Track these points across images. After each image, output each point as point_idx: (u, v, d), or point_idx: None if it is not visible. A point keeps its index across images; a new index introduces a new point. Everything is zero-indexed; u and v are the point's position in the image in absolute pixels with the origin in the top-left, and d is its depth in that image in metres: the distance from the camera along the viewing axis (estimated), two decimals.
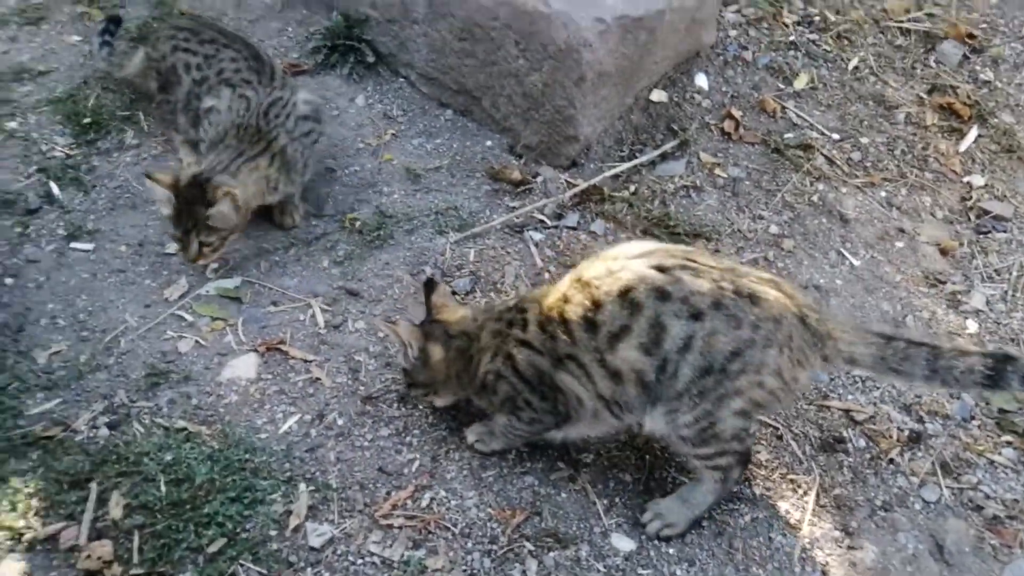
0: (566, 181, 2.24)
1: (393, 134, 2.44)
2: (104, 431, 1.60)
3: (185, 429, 1.60)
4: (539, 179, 2.25)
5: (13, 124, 2.35)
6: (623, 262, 1.39)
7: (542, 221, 2.15)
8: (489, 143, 2.39)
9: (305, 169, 2.09)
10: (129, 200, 2.16)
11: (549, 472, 1.60)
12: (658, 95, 2.40)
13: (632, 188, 2.23)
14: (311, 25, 2.74)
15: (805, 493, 1.66)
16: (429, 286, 1.63)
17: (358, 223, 2.13)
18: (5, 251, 1.98)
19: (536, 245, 2.08)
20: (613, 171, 2.24)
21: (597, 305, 1.38)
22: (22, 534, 1.42)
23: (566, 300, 1.42)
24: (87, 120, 2.35)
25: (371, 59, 2.61)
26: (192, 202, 1.81)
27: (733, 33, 2.60)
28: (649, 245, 1.45)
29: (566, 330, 1.40)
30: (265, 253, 2.04)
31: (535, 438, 1.56)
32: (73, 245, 2.01)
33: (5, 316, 1.82)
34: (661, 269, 1.36)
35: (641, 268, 1.37)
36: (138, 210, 2.12)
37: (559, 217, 2.16)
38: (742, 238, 2.15)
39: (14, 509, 1.45)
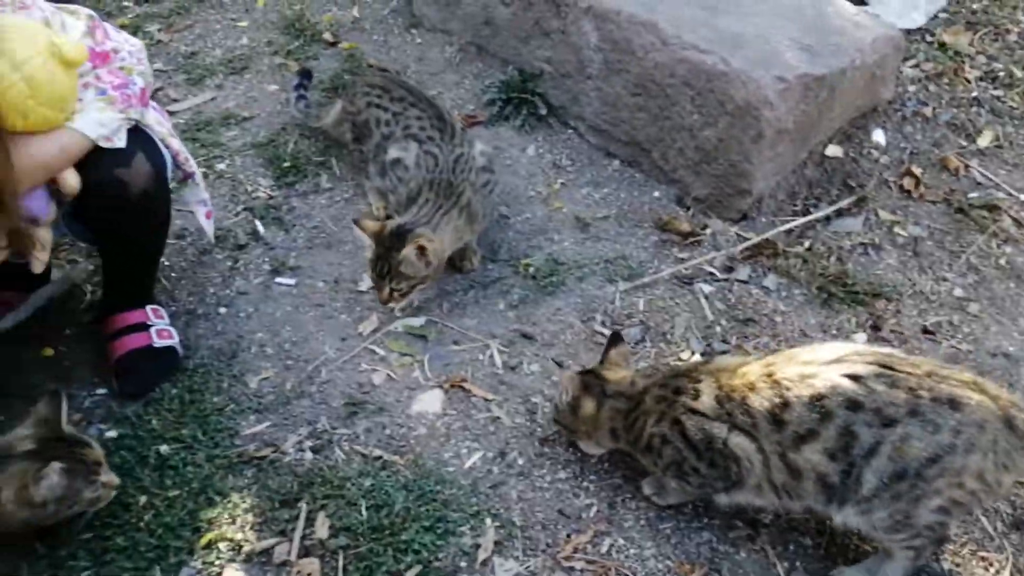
0: (736, 234, 2.26)
1: (562, 183, 2.54)
2: (309, 455, 1.74)
3: (381, 457, 1.73)
4: (708, 231, 2.28)
5: (222, 166, 2.60)
6: (817, 367, 1.40)
7: (712, 274, 2.17)
8: (657, 194, 2.45)
9: (484, 218, 2.21)
10: (325, 240, 2.35)
11: (727, 529, 1.61)
12: (833, 150, 2.38)
13: (806, 244, 2.22)
14: (487, 78, 2.90)
15: (997, 572, 1.59)
16: (614, 340, 1.69)
17: (531, 269, 2.22)
18: (219, 283, 2.20)
19: (706, 298, 2.10)
20: (786, 226, 2.25)
21: (786, 405, 1.39)
22: (241, 546, 1.56)
23: (752, 388, 1.43)
24: (286, 164, 2.58)
25: (543, 111, 2.74)
26: (391, 249, 1.95)
27: (912, 88, 2.56)
28: (844, 348, 1.44)
29: (747, 414, 1.42)
30: (447, 295, 2.17)
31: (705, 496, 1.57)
32: (277, 280, 2.21)
33: (220, 343, 2.02)
34: (855, 378, 1.36)
35: (835, 377, 1.37)
36: (333, 249, 2.30)
37: (729, 270, 2.18)
38: (924, 300, 2.10)
39: (234, 522, 1.60)
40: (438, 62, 3.04)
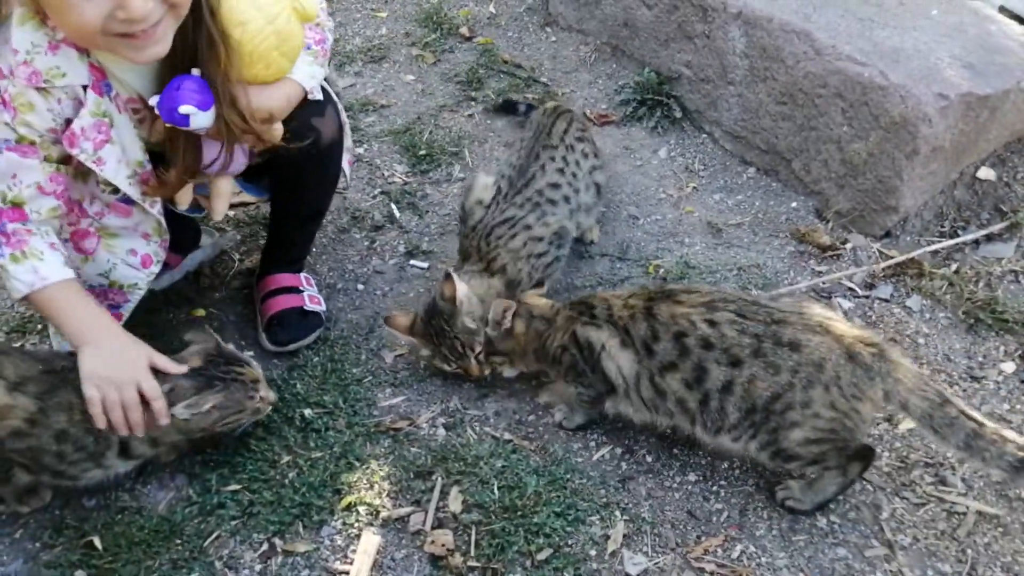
0: (878, 251, 2.20)
1: (694, 187, 2.52)
2: (442, 431, 1.79)
3: (511, 441, 1.76)
4: (848, 246, 2.23)
5: (361, 150, 2.70)
6: (687, 309, 1.61)
7: (852, 289, 2.12)
8: (794, 204, 2.40)
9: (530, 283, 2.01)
10: (455, 227, 2.40)
11: (863, 548, 1.57)
12: (986, 172, 2.29)
13: (953, 266, 2.14)
14: (621, 79, 2.91)
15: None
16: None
17: (661, 270, 2.22)
18: (357, 261, 2.28)
19: (845, 313, 2.05)
20: (933, 247, 2.17)
21: (656, 337, 1.61)
22: (378, 511, 1.62)
23: (633, 319, 1.64)
24: (422, 152, 2.65)
25: (677, 114, 2.73)
26: (439, 325, 1.83)
27: None
28: (714, 294, 1.64)
29: (628, 336, 1.65)
30: (575, 290, 2.18)
31: (597, 408, 1.75)
32: (411, 262, 2.27)
33: (359, 317, 2.09)
34: (712, 323, 1.56)
35: (697, 321, 1.58)
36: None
37: (870, 287, 2.12)
38: None
39: (372, 488, 1.66)
40: (572, 60, 3.07)
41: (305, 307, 1.98)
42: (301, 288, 2.02)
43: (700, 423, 1.60)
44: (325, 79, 1.79)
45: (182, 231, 2.03)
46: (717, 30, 2.52)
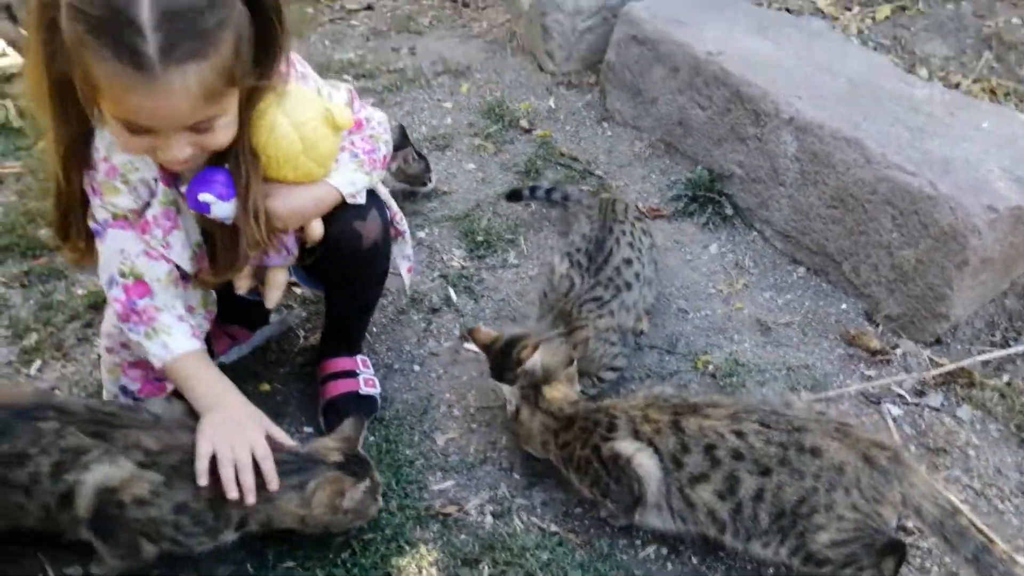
0: (929, 358, 2.21)
1: (744, 284, 2.57)
2: (490, 518, 1.83)
3: (557, 534, 1.79)
4: (898, 351, 2.24)
5: (422, 234, 2.82)
6: (713, 422, 1.67)
7: (901, 396, 2.13)
8: (844, 306, 2.44)
9: (599, 370, 2.13)
10: (509, 313, 2.49)
11: None
12: None
13: (1005, 377, 2.14)
14: (673, 175, 3.01)
15: None
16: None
17: (710, 366, 2.26)
18: (414, 342, 2.37)
19: (894, 420, 2.06)
20: (984, 356, 2.18)
21: (685, 449, 1.66)
22: None
23: (659, 432, 1.69)
24: (479, 238, 2.77)
25: (728, 211, 2.80)
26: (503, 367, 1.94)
27: None
28: (736, 405, 1.71)
29: (654, 449, 1.69)
30: (624, 382, 2.23)
31: (629, 519, 1.77)
32: (466, 345, 2.35)
33: (413, 398, 2.17)
34: (739, 434, 1.63)
35: (725, 432, 1.64)
36: (516, 322, 2.42)
37: (920, 394, 2.13)
38: None
39: (420, 573, 1.71)
40: (626, 155, 3.18)
41: (360, 391, 2.07)
42: (358, 372, 2.11)
43: (731, 531, 1.64)
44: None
45: (251, 307, 2.15)
46: (769, 134, 2.61)
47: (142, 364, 1.81)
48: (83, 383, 2.14)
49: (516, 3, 3.93)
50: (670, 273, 2.62)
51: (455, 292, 2.56)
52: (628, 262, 2.20)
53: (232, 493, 1.54)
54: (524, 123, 3.43)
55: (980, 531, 1.52)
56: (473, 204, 2.96)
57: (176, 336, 1.68)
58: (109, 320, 1.84)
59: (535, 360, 1.88)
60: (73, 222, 1.70)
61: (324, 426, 2.04)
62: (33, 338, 2.27)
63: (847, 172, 2.37)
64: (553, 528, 1.81)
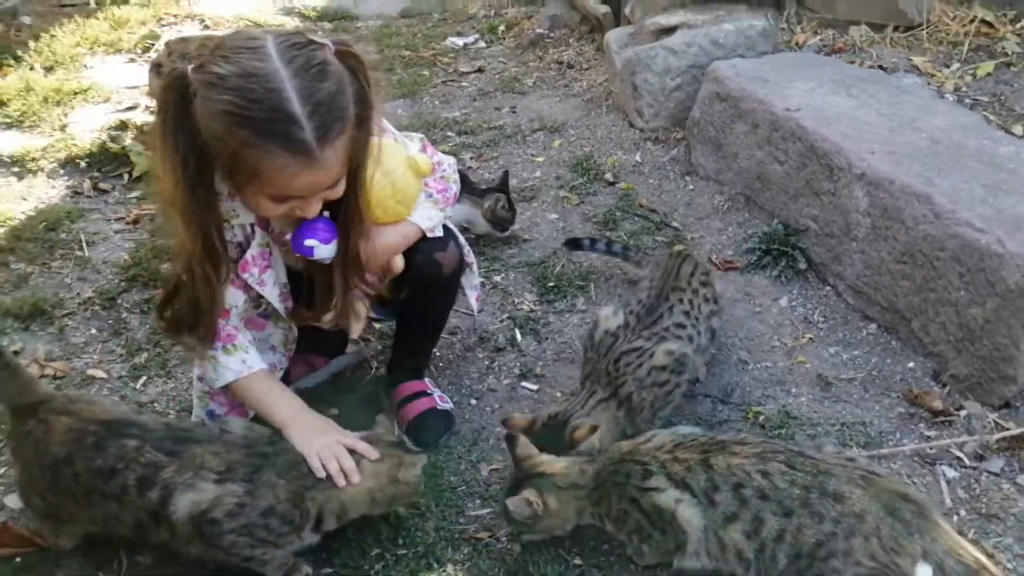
0: (994, 421, 2.11)
1: (810, 338, 2.54)
2: (518, 547, 1.90)
3: (581, 566, 1.84)
4: (962, 413, 2.15)
5: (498, 278, 2.97)
6: (741, 460, 1.70)
7: (959, 458, 2.04)
8: (911, 364, 2.36)
9: (654, 417, 2.10)
10: (569, 355, 2.57)
11: None
12: None
13: None
14: (750, 227, 3.03)
15: None
16: (511, 441, 1.88)
17: (761, 417, 2.25)
18: (475, 378, 2.50)
19: (948, 482, 1.98)
20: None
21: (716, 488, 1.68)
22: None
23: (689, 471, 1.72)
24: (551, 284, 2.88)
25: (802, 265, 2.79)
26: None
27: None
28: (762, 446, 1.73)
29: (688, 491, 1.72)
30: (669, 424, 2.25)
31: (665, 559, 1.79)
32: (523, 384, 2.46)
33: (466, 430, 2.28)
34: (765, 474, 1.65)
35: (752, 471, 1.67)
36: (575, 364, 2.51)
37: (980, 459, 2.03)
38: None
39: None
40: (706, 208, 3.23)
41: (438, 407, 2.25)
42: (429, 391, 2.28)
43: (755, 570, 1.64)
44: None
45: (330, 337, 2.36)
46: (842, 188, 2.60)
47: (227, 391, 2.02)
48: (179, 399, 2.40)
49: (612, 63, 4.09)
50: (735, 324, 2.63)
51: (520, 333, 2.68)
52: (681, 326, 2.21)
53: (340, 481, 1.75)
54: (609, 176, 3.55)
55: None
56: (550, 251, 3.10)
57: (253, 355, 1.91)
58: None
59: (592, 441, 1.89)
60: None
61: (414, 443, 2.10)
62: (143, 357, 2.57)
63: (916, 227, 2.33)
64: (577, 561, 1.86)
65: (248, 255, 1.87)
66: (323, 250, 1.81)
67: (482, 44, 5.67)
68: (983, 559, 1.55)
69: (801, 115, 2.84)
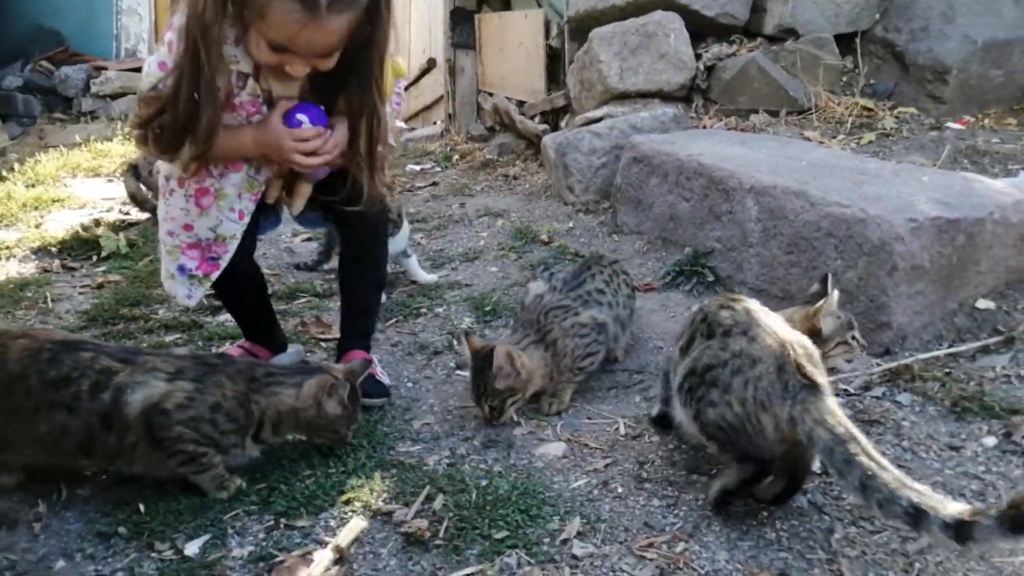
0: (876, 364, 2.34)
1: None
2: (444, 466, 2.03)
3: (501, 472, 1.97)
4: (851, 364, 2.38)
5: (440, 310, 3.22)
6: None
7: (846, 390, 2.25)
8: None
9: (574, 364, 2.32)
10: None
11: (806, 553, 1.61)
12: (984, 303, 2.44)
13: (947, 371, 2.24)
14: (668, 260, 3.36)
15: None
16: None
17: None
18: (413, 372, 2.68)
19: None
20: (929, 354, 2.29)
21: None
22: (369, 506, 1.85)
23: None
24: (488, 308, 3.13)
25: (710, 279, 3.09)
26: (484, 368, 2.19)
27: None
28: (751, 304, 1.81)
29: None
30: (591, 389, 2.45)
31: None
32: (458, 372, 2.64)
33: (402, 401, 2.44)
34: (724, 306, 1.78)
35: (716, 307, 1.81)
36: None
37: (866, 389, 2.24)
38: None
39: (370, 493, 1.91)
40: (629, 252, 3.57)
41: (377, 376, 2.41)
42: (373, 362, 2.43)
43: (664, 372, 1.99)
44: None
45: (273, 333, 2.59)
46: (737, 204, 2.97)
47: (198, 245, 2.16)
48: None
49: (547, 157, 4.58)
50: (652, 326, 2.88)
51: (457, 342, 2.89)
52: (601, 291, 2.49)
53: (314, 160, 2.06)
54: (544, 237, 3.91)
55: (872, 457, 1.43)
56: (489, 290, 3.37)
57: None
58: (175, 205, 2.12)
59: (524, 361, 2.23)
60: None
61: None
62: None
63: (797, 218, 2.68)
64: (498, 468, 1.99)
65: (237, 100, 2.03)
66: (308, 126, 2.04)
67: (438, 169, 6.23)
68: (855, 431, 1.51)
69: (702, 156, 3.26)
